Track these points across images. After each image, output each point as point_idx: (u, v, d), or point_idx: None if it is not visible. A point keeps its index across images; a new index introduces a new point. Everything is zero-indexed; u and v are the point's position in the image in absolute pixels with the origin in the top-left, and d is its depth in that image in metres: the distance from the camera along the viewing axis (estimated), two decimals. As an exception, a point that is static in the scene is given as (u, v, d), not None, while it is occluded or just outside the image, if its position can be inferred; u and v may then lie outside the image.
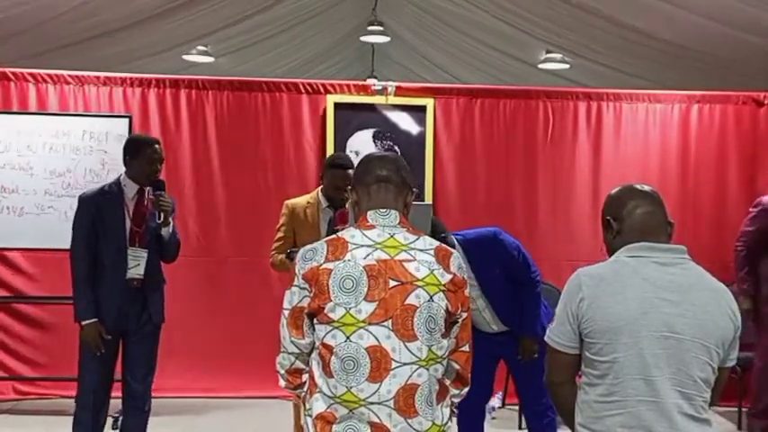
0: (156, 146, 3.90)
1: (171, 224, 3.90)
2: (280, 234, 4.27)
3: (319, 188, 4.28)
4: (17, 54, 6.64)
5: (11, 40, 6.54)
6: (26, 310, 5.60)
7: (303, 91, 5.86)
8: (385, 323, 2.14)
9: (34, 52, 6.83)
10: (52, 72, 5.69)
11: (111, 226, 3.76)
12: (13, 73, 5.64)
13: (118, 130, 5.29)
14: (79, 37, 6.94)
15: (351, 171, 4.11)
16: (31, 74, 5.65)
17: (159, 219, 3.84)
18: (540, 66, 8.28)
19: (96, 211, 3.77)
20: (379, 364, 2.12)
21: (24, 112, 5.56)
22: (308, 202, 4.25)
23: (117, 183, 3.87)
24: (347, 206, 4.07)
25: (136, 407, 3.93)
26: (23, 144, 5.39)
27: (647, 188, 2.33)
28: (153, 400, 5.45)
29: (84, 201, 3.82)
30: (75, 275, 3.76)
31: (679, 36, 6.60)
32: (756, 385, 5.07)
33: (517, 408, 5.27)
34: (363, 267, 2.16)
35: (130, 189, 3.83)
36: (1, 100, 5.61)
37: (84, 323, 3.73)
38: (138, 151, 3.84)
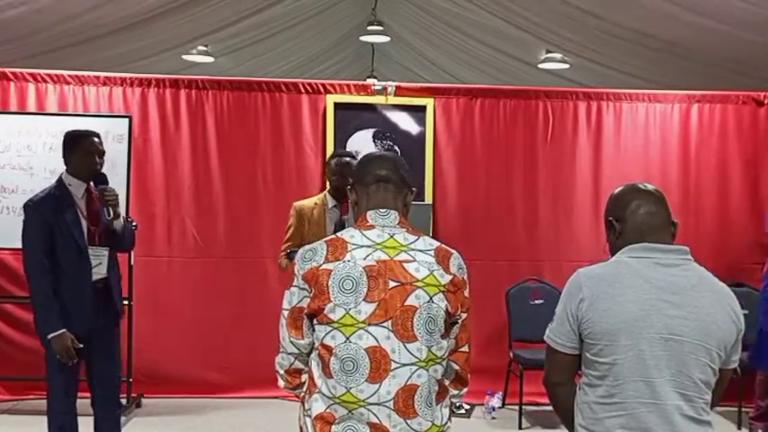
0: (95, 138, 3.77)
1: (121, 216, 3.80)
2: (288, 235, 4.33)
3: (326, 190, 4.31)
4: (17, 54, 6.64)
5: (11, 41, 6.53)
6: (28, 310, 5.57)
7: (303, 91, 5.85)
8: (384, 324, 2.13)
9: (34, 52, 6.83)
10: (52, 72, 5.69)
11: (69, 228, 3.61)
12: (13, 73, 5.63)
13: (118, 130, 5.27)
14: (79, 37, 6.94)
15: (350, 159, 4.21)
16: (30, 74, 5.65)
17: (109, 214, 3.71)
18: (540, 66, 8.29)
19: (50, 214, 3.60)
20: (379, 364, 2.12)
21: (24, 112, 5.55)
22: (315, 204, 4.30)
23: (60, 184, 3.71)
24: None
25: (110, 402, 3.85)
26: (23, 144, 5.38)
27: (650, 187, 2.30)
28: (153, 400, 5.52)
29: (34, 207, 3.64)
30: (35, 289, 3.60)
31: (679, 36, 6.59)
32: (759, 387, 5.06)
33: (517, 408, 5.27)
34: (363, 268, 2.15)
35: (77, 188, 3.71)
36: (1, 100, 5.61)
37: (51, 336, 3.56)
38: (76, 144, 3.72)
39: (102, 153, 3.78)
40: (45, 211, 3.62)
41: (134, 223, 3.97)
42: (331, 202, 4.24)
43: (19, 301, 5.50)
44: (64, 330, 3.57)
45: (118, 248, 3.91)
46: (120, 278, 3.95)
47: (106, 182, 3.76)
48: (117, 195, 3.77)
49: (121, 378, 3.99)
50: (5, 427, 5.04)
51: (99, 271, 3.72)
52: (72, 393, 3.74)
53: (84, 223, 3.69)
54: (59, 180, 3.75)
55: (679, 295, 2.13)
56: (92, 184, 3.76)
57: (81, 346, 3.61)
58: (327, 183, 4.42)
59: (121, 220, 3.80)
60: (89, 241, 3.69)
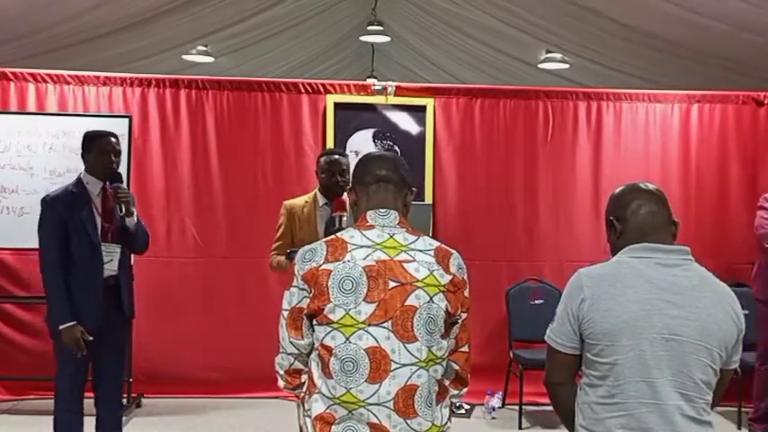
0: (111, 138, 3.89)
1: (134, 214, 3.88)
2: (278, 234, 4.29)
3: (317, 188, 4.29)
4: (17, 54, 6.64)
5: (11, 41, 6.53)
6: (28, 311, 5.59)
7: (303, 91, 5.85)
8: (384, 324, 2.13)
9: (34, 53, 6.83)
10: (52, 72, 5.68)
11: (83, 225, 3.72)
12: (13, 73, 5.63)
13: (118, 130, 5.20)
14: (79, 37, 6.94)
15: (339, 157, 4.18)
16: (30, 74, 5.64)
17: (121, 211, 3.81)
18: (540, 66, 8.29)
19: (65, 211, 3.72)
20: (379, 365, 2.11)
21: (24, 112, 5.55)
22: (306, 202, 4.27)
23: (79, 182, 3.83)
24: (344, 196, 4.10)
25: (113, 402, 3.94)
26: (23, 144, 5.38)
27: (651, 187, 2.30)
28: (153, 400, 5.52)
29: (49, 203, 3.76)
30: (48, 280, 3.71)
31: (679, 36, 6.60)
32: (757, 389, 5.06)
33: (517, 408, 5.27)
34: (363, 268, 2.15)
35: (94, 186, 3.82)
36: (1, 100, 5.61)
37: (62, 327, 3.66)
38: (92, 144, 3.84)
39: (118, 153, 3.89)
40: (60, 208, 3.73)
41: (144, 226, 4.07)
42: (321, 200, 4.22)
43: (19, 301, 5.51)
44: (74, 323, 3.66)
45: (131, 248, 4.00)
46: (130, 279, 4.03)
47: (121, 180, 3.87)
48: (128, 193, 3.88)
49: (123, 376, 4.07)
50: (5, 427, 5.04)
51: (110, 267, 3.82)
52: (78, 392, 3.80)
53: (98, 220, 3.79)
54: (78, 178, 3.86)
55: (680, 295, 2.13)
56: (108, 182, 3.85)
57: (91, 338, 3.68)
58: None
59: (134, 218, 3.89)
60: (102, 238, 3.79)
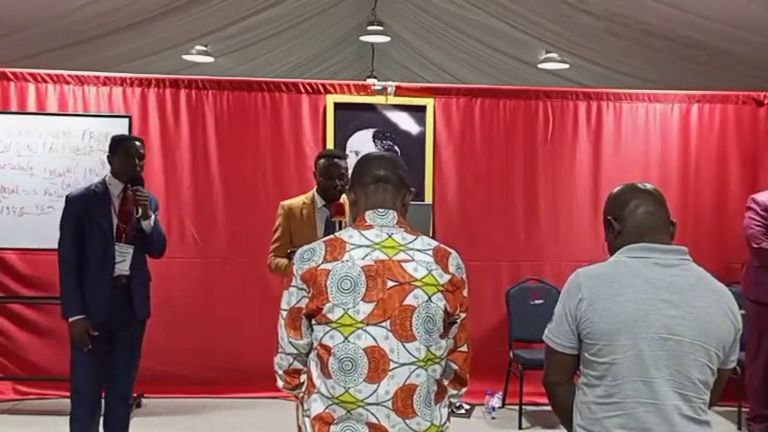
0: (136, 142, 4.01)
1: (152, 218, 3.97)
2: (276, 235, 4.25)
3: (315, 189, 4.26)
4: (17, 54, 6.64)
5: (11, 40, 6.53)
6: (26, 311, 5.59)
7: (303, 91, 5.85)
8: (383, 324, 2.13)
9: (34, 52, 6.82)
10: (52, 72, 5.68)
11: (99, 223, 3.85)
12: (13, 73, 5.63)
13: (118, 130, 5.26)
14: (79, 37, 6.94)
15: (338, 160, 4.15)
16: (30, 74, 5.64)
17: (137, 213, 3.91)
18: (540, 66, 8.28)
19: (84, 209, 3.86)
20: (378, 364, 2.11)
21: (24, 112, 5.55)
22: (304, 203, 4.23)
23: (103, 182, 3.97)
24: (342, 199, 4.09)
25: (121, 400, 4.04)
26: (23, 144, 5.39)
27: (649, 187, 2.30)
28: (153, 400, 5.52)
29: (71, 200, 3.92)
30: (62, 276, 3.86)
31: (679, 36, 6.59)
32: (749, 388, 5.07)
33: (517, 408, 5.27)
34: (361, 268, 2.15)
35: (115, 187, 3.94)
36: (1, 100, 5.61)
37: (71, 320, 3.81)
38: (116, 147, 3.96)
39: (141, 156, 3.99)
40: (79, 205, 3.87)
41: (162, 231, 4.17)
42: (320, 202, 4.19)
43: (19, 300, 5.51)
44: (83, 316, 3.80)
45: (146, 250, 4.07)
46: (145, 280, 4.08)
47: (142, 184, 3.95)
48: (147, 196, 3.95)
49: (135, 376, 4.12)
50: (5, 427, 5.04)
51: (122, 267, 3.91)
52: (92, 390, 3.89)
53: (114, 221, 3.90)
54: (103, 179, 4.00)
55: (678, 295, 2.13)
56: (129, 185, 3.94)
57: (96, 333, 3.80)
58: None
59: (151, 221, 3.97)
60: (116, 238, 3.89)
